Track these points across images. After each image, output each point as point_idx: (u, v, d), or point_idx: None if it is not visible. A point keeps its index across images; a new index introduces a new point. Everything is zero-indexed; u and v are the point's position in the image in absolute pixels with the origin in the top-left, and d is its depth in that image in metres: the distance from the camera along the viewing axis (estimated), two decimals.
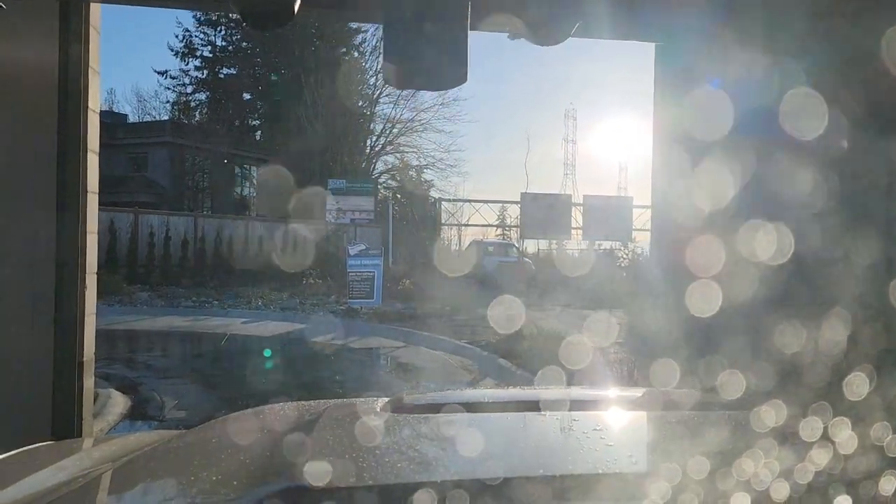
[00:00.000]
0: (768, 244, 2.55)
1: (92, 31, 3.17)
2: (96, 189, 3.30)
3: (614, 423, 1.42)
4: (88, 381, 3.29)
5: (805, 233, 2.50)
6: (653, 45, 3.73)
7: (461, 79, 2.05)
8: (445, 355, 9.74)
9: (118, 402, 6.30)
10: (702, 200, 3.22)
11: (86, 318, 3.21)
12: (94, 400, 6.35)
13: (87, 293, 3.23)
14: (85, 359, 3.19)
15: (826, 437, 1.08)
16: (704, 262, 2.78)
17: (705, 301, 3.07)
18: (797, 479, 0.92)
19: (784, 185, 2.59)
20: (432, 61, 1.95)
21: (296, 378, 8.13)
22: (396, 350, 10.53)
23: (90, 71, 3.14)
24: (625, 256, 19.78)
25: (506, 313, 10.85)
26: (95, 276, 3.35)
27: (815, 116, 2.29)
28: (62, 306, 3.05)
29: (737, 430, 1.28)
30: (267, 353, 10.01)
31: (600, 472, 1.00)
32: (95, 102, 3.23)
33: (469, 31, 2.10)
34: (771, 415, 1.26)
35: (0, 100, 2.98)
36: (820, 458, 1.00)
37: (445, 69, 1.99)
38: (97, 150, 3.35)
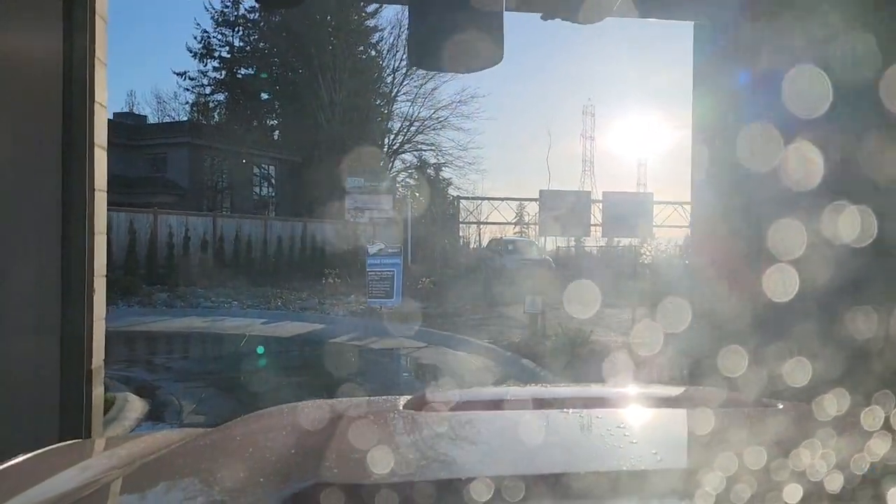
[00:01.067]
0: (849, 228, 2.33)
1: (98, 21, 2.99)
2: (104, 187, 3.13)
3: (637, 420, 1.40)
4: (98, 389, 3.12)
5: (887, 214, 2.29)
6: (691, 26, 3.52)
7: (496, 58, 1.84)
8: (467, 356, 9.54)
9: (135, 407, 6.17)
10: (761, 185, 3.00)
11: (94, 324, 3.04)
12: (112, 404, 6.24)
13: (95, 297, 3.06)
14: (94, 366, 3.02)
15: (888, 427, 1.05)
16: (779, 247, 2.58)
17: (760, 290, 2.85)
18: (851, 470, 0.90)
19: (860, 166, 2.36)
20: (465, 39, 1.75)
21: (315, 380, 7.97)
22: (417, 350, 10.35)
23: (96, 62, 2.97)
24: (648, 253, 19.41)
25: (527, 311, 10.62)
26: (105, 279, 3.18)
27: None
28: (69, 311, 2.88)
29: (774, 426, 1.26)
30: (286, 352, 9.87)
31: (624, 468, 0.98)
32: (103, 95, 3.06)
33: (504, 11, 1.90)
34: (830, 406, 1.26)
35: (0, 93, 2.82)
36: (878, 448, 0.98)
37: (479, 48, 1.79)
38: (105, 145, 3.18)
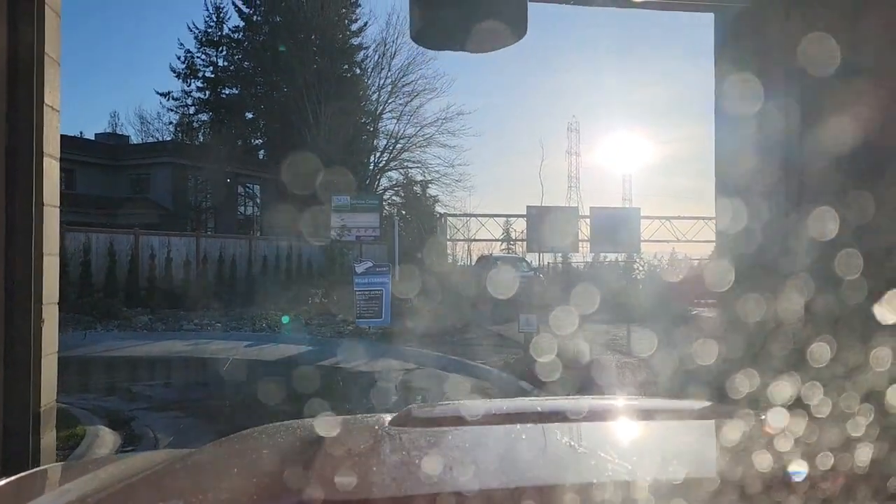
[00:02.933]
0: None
1: (49, 13, 2.63)
2: (56, 202, 2.75)
3: (622, 432, 1.40)
4: (48, 435, 2.72)
5: None
6: (710, 16, 3.24)
7: (519, 32, 1.51)
8: (461, 378, 9.16)
9: (106, 441, 5.74)
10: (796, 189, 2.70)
11: (43, 359, 2.64)
12: (81, 438, 5.79)
13: (45, 328, 2.66)
14: (43, 408, 2.62)
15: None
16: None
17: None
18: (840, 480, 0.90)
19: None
20: (483, 8, 1.42)
21: (302, 407, 7.54)
22: (409, 373, 9.95)
23: (46, 59, 2.60)
24: (640, 268, 19.17)
25: (521, 331, 10.27)
26: (57, 306, 2.79)
27: None
28: (12, 345, 2.50)
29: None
30: (271, 377, 9.44)
31: (609, 481, 0.98)
32: (55, 97, 2.69)
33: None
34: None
35: None
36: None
37: (500, 17, 1.45)
38: (57, 155, 2.79)
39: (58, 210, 2.76)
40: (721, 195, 3.30)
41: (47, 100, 2.59)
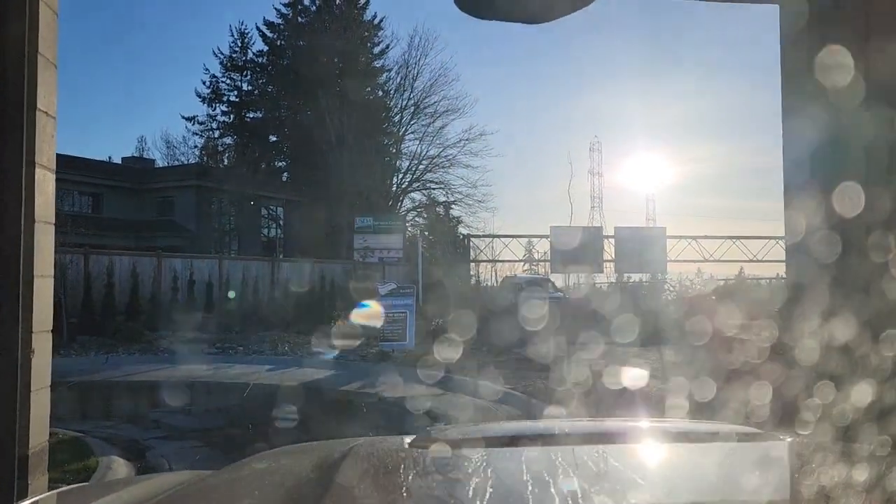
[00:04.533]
0: None
1: (44, 10, 2.38)
2: (51, 218, 2.47)
3: (643, 456, 1.38)
4: (38, 481, 2.41)
5: None
6: (776, 8, 2.93)
7: None
8: (489, 404, 8.77)
9: (119, 473, 5.46)
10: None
11: (33, 394, 2.34)
12: (94, 470, 5.53)
13: (35, 359, 2.37)
14: (32, 450, 2.32)
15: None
16: None
17: None
18: None
19: None
20: None
21: (324, 436, 7.23)
22: (434, 398, 9.57)
23: (40, 59, 2.34)
24: (672, 288, 18.65)
25: (550, 354, 9.90)
26: (50, 334, 2.50)
27: None
28: None
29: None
30: (293, 403, 9.13)
31: None
32: (50, 103, 2.43)
33: None
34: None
35: None
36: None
37: None
38: (53, 166, 2.51)
39: (52, 227, 2.48)
40: (792, 203, 2.96)
41: (41, 104, 2.33)
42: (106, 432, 7.04)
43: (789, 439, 1.38)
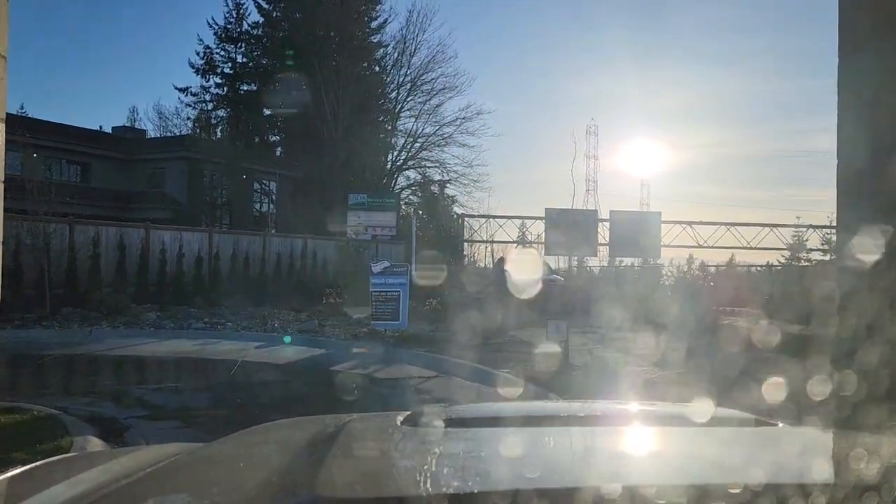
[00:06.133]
0: None
1: None
2: (1, 177, 2.13)
3: (631, 437, 1.38)
4: None
5: None
6: None
7: None
8: (485, 388, 8.49)
9: None
10: None
11: None
12: (67, 451, 5.21)
13: None
14: None
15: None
16: None
17: None
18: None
19: None
20: None
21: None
22: (427, 381, 9.29)
23: None
24: (670, 273, 18.40)
25: (549, 338, 9.61)
26: None
27: None
28: None
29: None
30: (281, 383, 8.83)
31: (615, 485, 0.94)
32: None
33: None
34: None
35: None
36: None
37: None
38: (3, 115, 2.16)
39: (2, 187, 2.13)
40: (846, 188, 2.63)
41: None
42: (85, 410, 6.71)
43: (780, 425, 1.40)
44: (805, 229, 26.31)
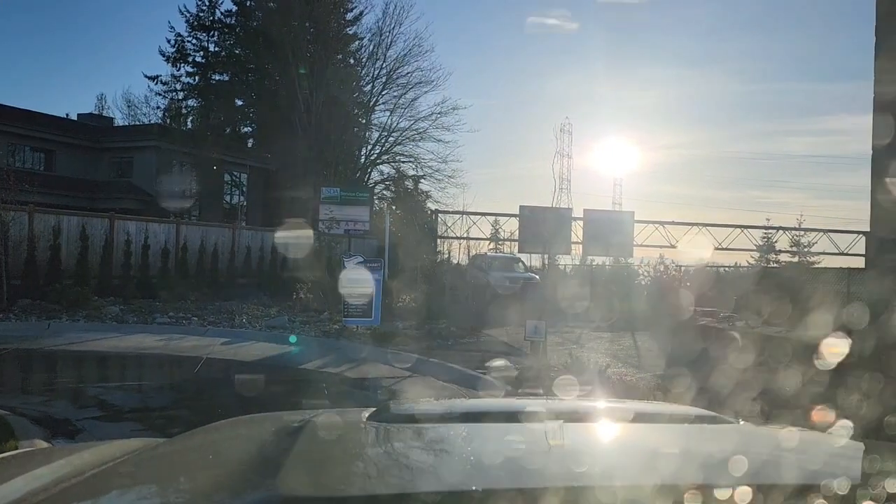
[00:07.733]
0: None
1: None
2: None
3: (603, 433, 1.40)
4: None
5: None
6: None
7: None
8: (460, 389, 8.24)
9: None
10: None
11: None
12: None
13: None
14: None
15: None
16: None
17: None
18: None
19: None
20: None
21: None
22: (401, 381, 9.01)
23: None
24: (645, 273, 18.33)
25: (528, 339, 9.40)
26: None
27: None
28: None
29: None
30: (248, 382, 8.48)
31: (579, 483, 0.97)
32: None
33: None
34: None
35: None
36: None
37: None
38: None
39: None
40: (881, 184, 2.43)
41: None
42: (35, 410, 6.31)
43: (741, 423, 1.42)
44: (775, 231, 26.56)
